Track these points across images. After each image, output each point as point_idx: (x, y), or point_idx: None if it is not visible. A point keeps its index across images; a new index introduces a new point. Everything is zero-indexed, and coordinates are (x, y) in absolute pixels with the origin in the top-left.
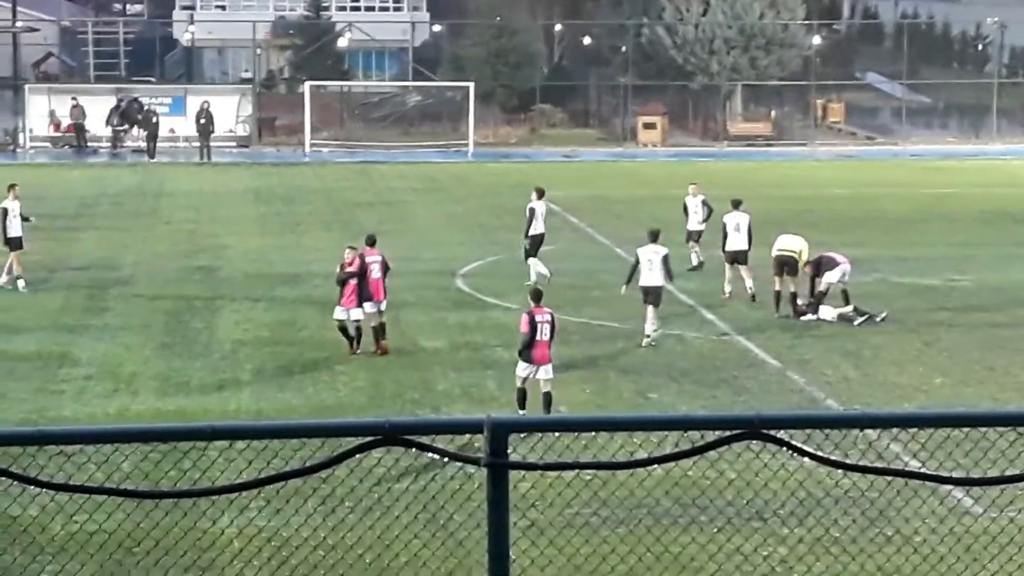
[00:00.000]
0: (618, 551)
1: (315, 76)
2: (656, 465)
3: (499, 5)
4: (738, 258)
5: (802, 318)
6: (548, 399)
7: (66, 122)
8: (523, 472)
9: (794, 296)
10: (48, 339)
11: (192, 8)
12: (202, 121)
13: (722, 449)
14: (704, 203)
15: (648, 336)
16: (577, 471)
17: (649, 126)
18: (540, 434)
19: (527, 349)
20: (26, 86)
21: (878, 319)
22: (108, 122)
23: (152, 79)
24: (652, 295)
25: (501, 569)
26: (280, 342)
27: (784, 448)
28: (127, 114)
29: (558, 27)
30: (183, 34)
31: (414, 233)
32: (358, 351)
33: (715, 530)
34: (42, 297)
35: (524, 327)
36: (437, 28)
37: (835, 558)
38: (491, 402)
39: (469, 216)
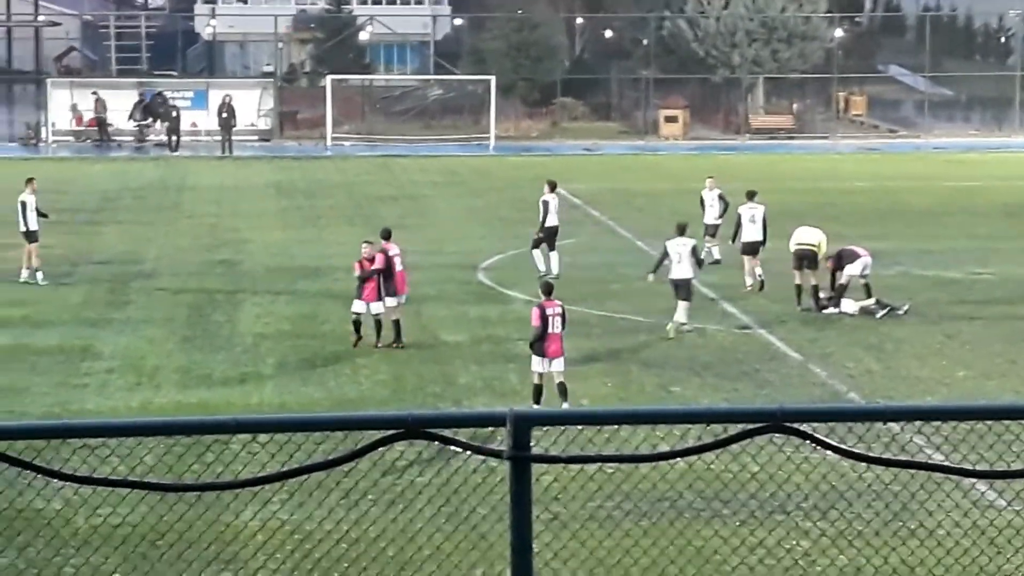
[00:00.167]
0: (641, 544)
1: (336, 70)
2: (679, 458)
3: None
4: (753, 249)
5: (824, 311)
6: (563, 388)
7: (88, 116)
8: (545, 465)
9: (816, 289)
10: (70, 333)
11: (214, 2)
12: (224, 115)
13: (745, 442)
14: (721, 197)
15: (680, 325)
16: (600, 464)
17: (671, 119)
18: (562, 427)
19: (539, 342)
20: (48, 80)
21: (901, 311)
22: (131, 117)
23: (174, 73)
24: (683, 289)
25: (524, 562)
26: (302, 335)
27: (807, 441)
28: (150, 109)
29: (579, 20)
30: (205, 28)
31: (435, 227)
32: (379, 345)
33: (738, 523)
34: (64, 291)
35: (535, 320)
36: (458, 21)
37: (858, 551)
38: (513, 395)
39: (490, 210)
